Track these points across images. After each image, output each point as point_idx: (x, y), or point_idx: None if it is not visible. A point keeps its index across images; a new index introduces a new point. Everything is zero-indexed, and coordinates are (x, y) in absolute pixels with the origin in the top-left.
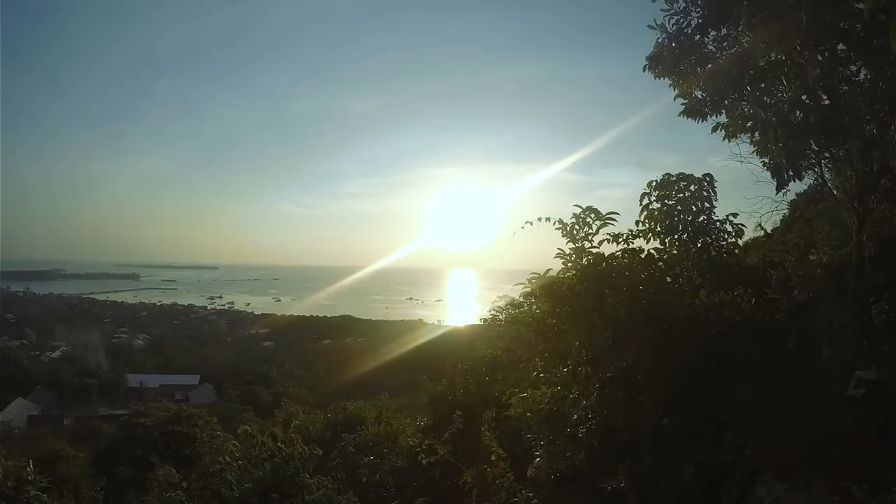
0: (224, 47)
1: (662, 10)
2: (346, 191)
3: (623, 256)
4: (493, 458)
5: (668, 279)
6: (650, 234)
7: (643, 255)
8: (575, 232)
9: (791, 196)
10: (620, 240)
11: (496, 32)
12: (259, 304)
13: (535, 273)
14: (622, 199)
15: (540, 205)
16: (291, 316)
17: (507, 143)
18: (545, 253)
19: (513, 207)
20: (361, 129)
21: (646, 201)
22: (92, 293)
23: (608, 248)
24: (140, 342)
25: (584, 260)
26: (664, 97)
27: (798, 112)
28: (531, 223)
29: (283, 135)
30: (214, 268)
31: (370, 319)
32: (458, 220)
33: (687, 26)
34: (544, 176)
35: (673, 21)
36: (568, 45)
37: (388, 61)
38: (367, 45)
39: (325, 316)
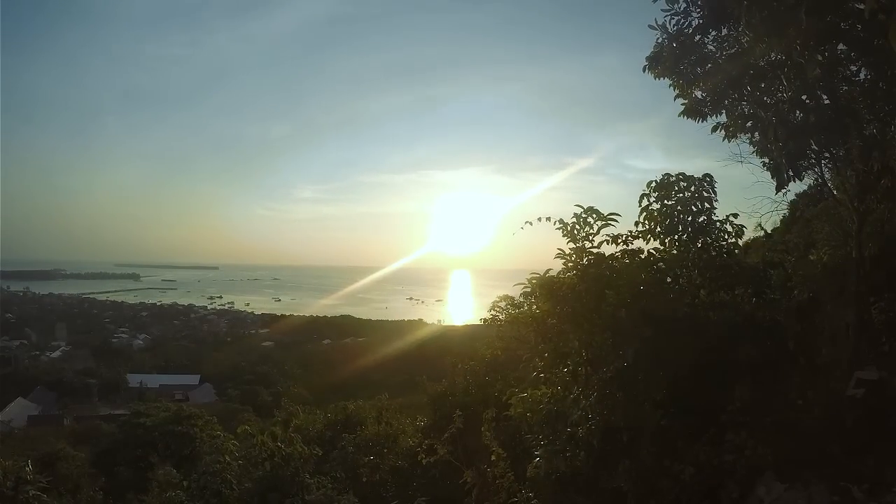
0: (186, 73)
1: (663, 11)
2: (300, 196)
3: (623, 257)
4: (493, 457)
5: (668, 279)
6: (650, 235)
7: (643, 256)
8: (576, 232)
9: (791, 196)
10: (620, 240)
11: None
12: (259, 303)
13: (534, 273)
14: (557, 200)
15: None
16: (291, 316)
17: (423, 156)
18: (530, 252)
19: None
20: (286, 150)
21: (645, 202)
22: (92, 293)
23: (607, 249)
24: (140, 342)
25: (585, 260)
26: (577, 109)
27: (798, 112)
28: (531, 223)
29: (234, 150)
30: (214, 268)
31: (370, 319)
32: (444, 225)
33: (687, 27)
34: (470, 181)
35: (673, 21)
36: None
37: (296, 93)
38: (278, 77)
39: (325, 316)
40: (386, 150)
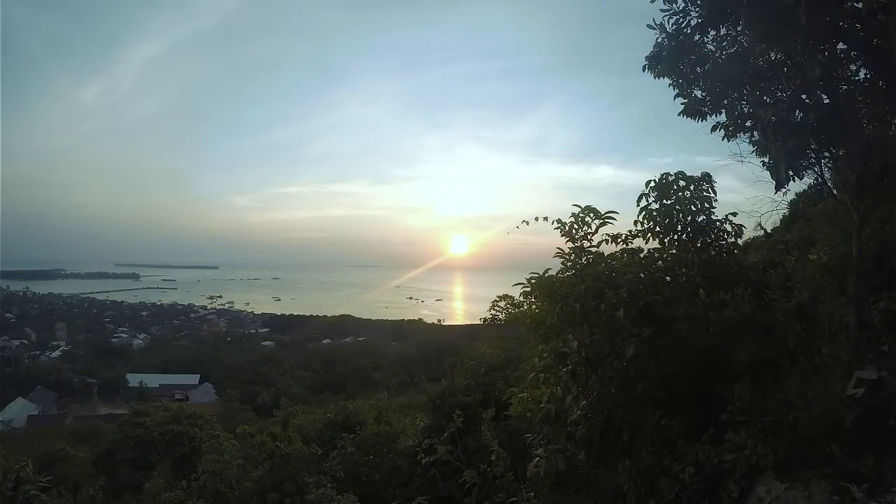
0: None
1: (662, 10)
2: (238, 205)
3: (622, 256)
4: (492, 457)
5: (668, 279)
6: (649, 235)
7: (642, 255)
8: (574, 231)
9: (791, 195)
10: (619, 240)
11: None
12: (259, 303)
13: (534, 273)
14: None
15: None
16: (291, 315)
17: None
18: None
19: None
20: (192, 174)
21: (644, 202)
22: (92, 293)
23: (607, 249)
24: (140, 342)
25: (584, 259)
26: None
27: (798, 112)
28: (527, 222)
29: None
30: (214, 267)
31: (370, 319)
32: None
33: (686, 26)
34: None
35: (672, 21)
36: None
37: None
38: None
39: (325, 315)
40: (283, 169)
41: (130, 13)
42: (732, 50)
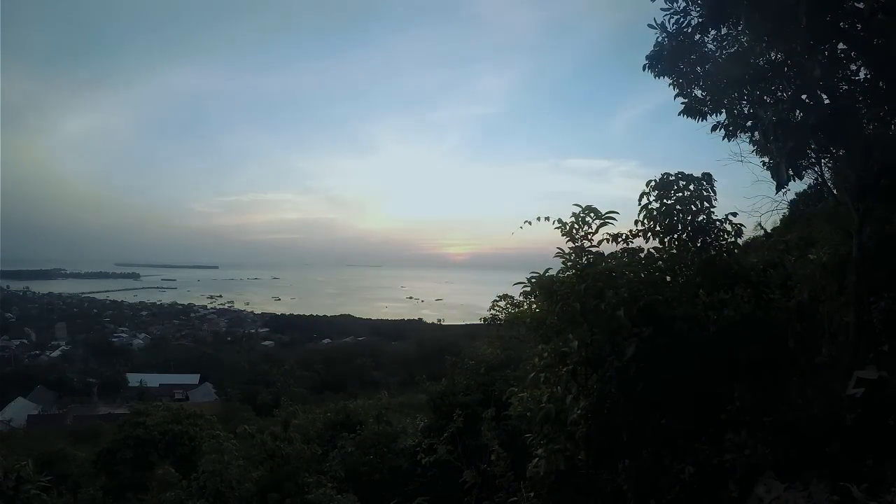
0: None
1: (662, 10)
2: (199, 210)
3: (623, 255)
4: (492, 457)
5: (668, 279)
6: (649, 234)
7: (643, 255)
8: (574, 231)
9: (791, 195)
10: (620, 239)
11: None
12: (259, 303)
13: (534, 272)
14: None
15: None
16: (291, 315)
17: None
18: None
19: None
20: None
21: (645, 201)
22: (92, 293)
23: (607, 248)
24: (140, 341)
25: (584, 259)
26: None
27: (798, 111)
28: (530, 223)
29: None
30: (214, 267)
31: (370, 318)
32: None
33: (687, 26)
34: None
35: (673, 20)
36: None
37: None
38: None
39: (325, 315)
40: (215, 181)
41: (69, 94)
42: (733, 50)
